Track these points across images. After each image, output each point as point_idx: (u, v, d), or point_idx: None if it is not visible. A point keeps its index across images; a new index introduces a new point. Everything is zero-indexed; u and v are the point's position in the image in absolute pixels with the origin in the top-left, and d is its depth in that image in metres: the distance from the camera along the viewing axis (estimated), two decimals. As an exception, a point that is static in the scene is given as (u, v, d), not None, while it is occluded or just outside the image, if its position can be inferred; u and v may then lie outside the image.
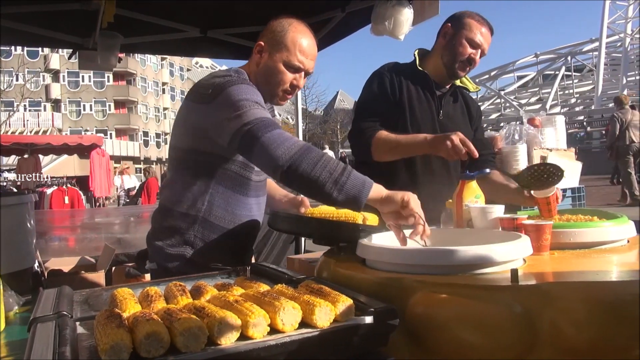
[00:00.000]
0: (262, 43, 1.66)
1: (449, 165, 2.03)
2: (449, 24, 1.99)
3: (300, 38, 1.63)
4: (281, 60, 1.63)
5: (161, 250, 1.70)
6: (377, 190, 1.33)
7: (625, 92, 27.39)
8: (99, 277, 3.27)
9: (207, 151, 1.61)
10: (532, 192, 1.69)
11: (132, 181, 15.23)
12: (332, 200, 1.33)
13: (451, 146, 1.66)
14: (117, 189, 14.80)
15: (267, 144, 1.36)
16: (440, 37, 2.02)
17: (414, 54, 2.09)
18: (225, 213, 1.65)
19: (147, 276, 3.12)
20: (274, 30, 1.66)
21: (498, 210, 1.53)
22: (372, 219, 1.57)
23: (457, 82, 2.11)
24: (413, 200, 1.31)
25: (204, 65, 51.64)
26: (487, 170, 1.81)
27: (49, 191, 10.43)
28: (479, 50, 1.96)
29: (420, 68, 2.03)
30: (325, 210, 1.58)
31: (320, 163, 1.32)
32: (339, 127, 38.17)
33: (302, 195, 1.84)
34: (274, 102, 1.72)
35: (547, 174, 1.62)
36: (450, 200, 1.67)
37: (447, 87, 2.09)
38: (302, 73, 1.66)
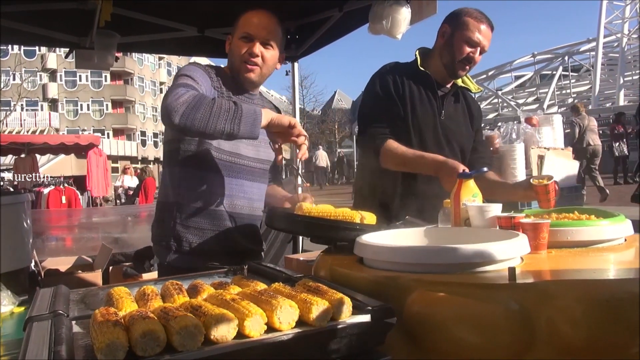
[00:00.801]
0: (230, 35, 1.80)
1: None
2: (447, 24, 1.99)
3: (250, 13, 1.76)
4: (236, 38, 1.75)
5: (156, 246, 1.75)
6: (267, 115, 1.51)
7: (622, 93, 27.45)
8: (96, 276, 3.26)
9: (172, 138, 1.73)
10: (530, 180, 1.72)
11: (133, 181, 15.15)
12: (233, 136, 1.48)
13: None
14: (115, 188, 14.72)
15: (164, 108, 1.46)
16: (439, 37, 2.02)
17: (415, 54, 2.08)
18: (198, 194, 1.71)
19: (145, 276, 3.12)
20: (236, 21, 1.79)
21: (495, 209, 1.53)
22: (369, 218, 1.56)
23: (459, 83, 2.10)
24: (298, 123, 1.55)
25: (202, 65, 51.45)
26: (485, 169, 1.81)
27: (46, 191, 10.40)
28: (478, 48, 1.95)
29: (422, 68, 2.03)
30: (323, 210, 1.58)
31: (213, 113, 1.43)
32: (336, 126, 38.12)
33: (302, 194, 1.85)
34: (243, 79, 1.78)
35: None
36: (448, 200, 1.66)
37: (449, 86, 2.09)
38: (257, 43, 1.73)
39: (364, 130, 2.03)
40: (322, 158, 21.84)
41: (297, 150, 1.57)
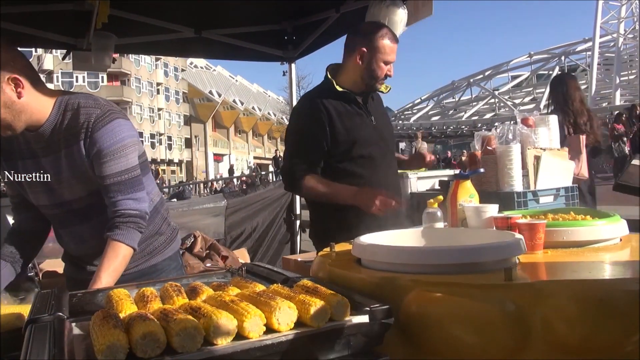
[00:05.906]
0: None
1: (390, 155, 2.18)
2: (365, 49, 1.99)
3: None
4: None
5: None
6: None
7: (618, 92, 27.56)
8: (94, 278, 3.25)
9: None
10: None
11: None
12: None
13: (379, 204, 1.79)
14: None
15: None
16: (355, 58, 2.01)
17: (327, 75, 2.08)
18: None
19: (142, 277, 3.11)
20: None
21: (492, 210, 1.54)
22: None
23: None
24: None
25: (199, 66, 51.20)
26: (482, 169, 1.83)
27: (42, 192, 10.35)
28: (392, 64, 2.04)
29: (338, 88, 2.03)
30: None
31: None
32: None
33: None
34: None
35: None
36: (432, 200, 1.64)
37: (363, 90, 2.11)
38: None
39: (284, 164, 2.10)
40: None
41: None
